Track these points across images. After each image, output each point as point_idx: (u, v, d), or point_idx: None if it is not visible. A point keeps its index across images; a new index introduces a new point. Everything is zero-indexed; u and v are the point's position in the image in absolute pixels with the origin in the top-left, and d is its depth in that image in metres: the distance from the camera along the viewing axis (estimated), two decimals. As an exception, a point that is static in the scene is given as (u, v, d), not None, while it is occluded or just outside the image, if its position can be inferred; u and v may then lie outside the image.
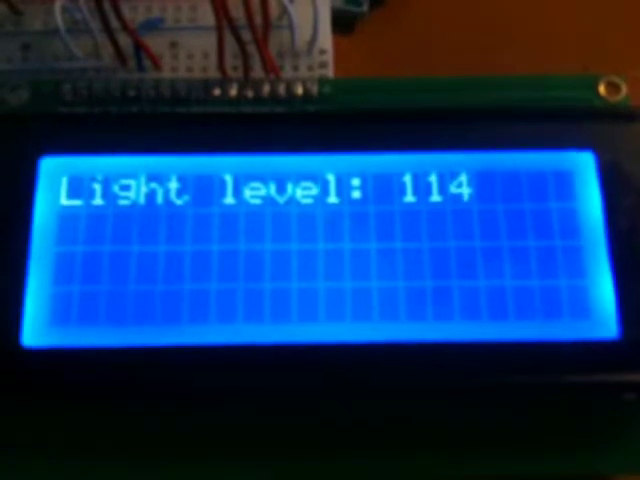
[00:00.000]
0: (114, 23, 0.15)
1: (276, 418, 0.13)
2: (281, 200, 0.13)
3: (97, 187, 0.13)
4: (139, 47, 0.16)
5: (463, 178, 0.13)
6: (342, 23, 0.17)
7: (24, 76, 0.16)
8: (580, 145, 0.13)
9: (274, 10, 0.16)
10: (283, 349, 0.12)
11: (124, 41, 0.16)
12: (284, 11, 0.16)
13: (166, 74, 0.16)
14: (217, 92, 0.15)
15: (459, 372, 0.12)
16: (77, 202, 0.13)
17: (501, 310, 0.12)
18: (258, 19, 0.15)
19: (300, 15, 0.16)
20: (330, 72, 0.16)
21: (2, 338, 0.12)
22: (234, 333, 0.12)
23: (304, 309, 0.12)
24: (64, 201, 0.13)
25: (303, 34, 0.16)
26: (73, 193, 0.13)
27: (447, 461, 0.13)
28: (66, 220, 0.13)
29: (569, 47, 0.17)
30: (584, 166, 0.13)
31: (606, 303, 0.12)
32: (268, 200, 0.13)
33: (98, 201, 0.13)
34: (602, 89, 0.15)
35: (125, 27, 0.15)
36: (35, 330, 0.12)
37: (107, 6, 0.15)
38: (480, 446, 0.13)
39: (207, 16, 0.16)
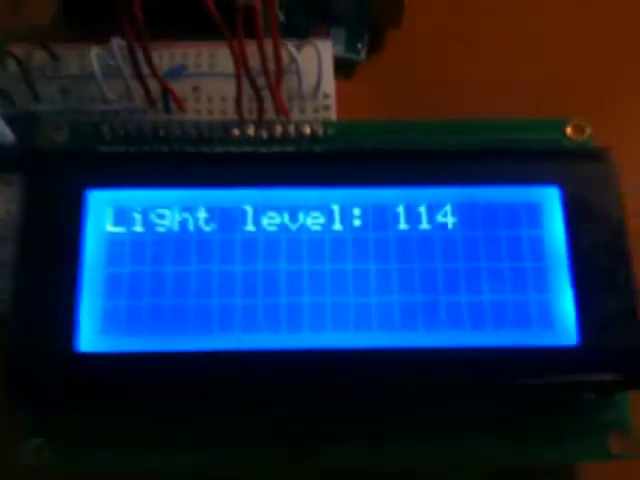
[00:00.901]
0: (144, 69, 0.18)
1: (292, 411, 0.15)
2: (293, 227, 0.15)
3: (137, 216, 0.15)
4: (166, 91, 0.18)
5: (448, 209, 0.15)
6: (343, 69, 0.20)
7: (64, 116, 0.18)
8: (547, 181, 0.16)
9: (284, 58, 0.18)
10: (296, 353, 0.14)
11: (153, 85, 0.18)
12: (292, 60, 0.18)
13: (190, 116, 0.18)
14: (236, 132, 0.17)
15: (444, 374, 0.15)
16: (121, 229, 0.15)
17: (480, 321, 0.15)
18: (270, 66, 0.18)
19: (306, 63, 0.18)
20: (333, 114, 0.18)
21: (61, 345, 0.14)
22: (255, 340, 0.14)
23: (314, 320, 0.15)
24: (110, 228, 0.15)
25: (309, 80, 0.18)
26: (117, 221, 0.15)
27: (436, 449, 0.15)
28: (112, 245, 0.15)
29: (543, 93, 0.20)
30: (550, 199, 0.16)
31: (567, 315, 0.15)
32: (282, 227, 0.15)
33: (138, 228, 0.15)
34: (569, 130, 0.18)
35: (154, 73, 0.18)
36: (88, 338, 0.14)
37: (137, 53, 0.17)
38: (462, 438, 0.15)
39: (224, 63, 0.19)
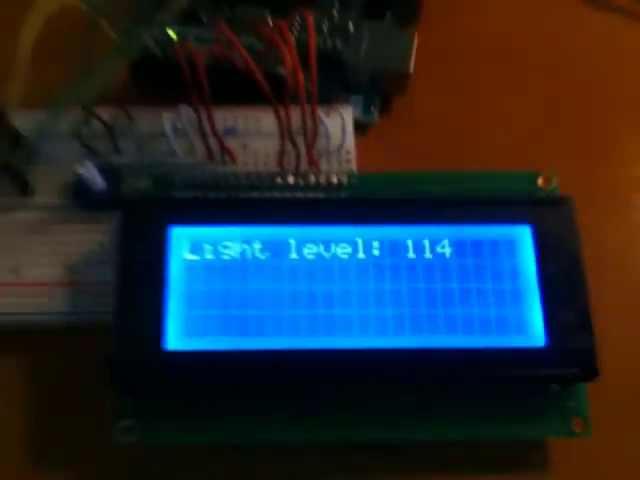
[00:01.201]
0: (206, 129, 0.22)
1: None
2: (327, 256, 0.20)
3: (208, 247, 0.20)
4: (223, 148, 0.23)
5: (445, 242, 0.20)
6: (360, 128, 0.24)
7: (141, 167, 0.23)
8: (521, 221, 0.20)
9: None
10: (328, 352, 0.19)
11: (212, 143, 0.23)
12: (321, 122, 0.23)
13: (240, 167, 0.23)
14: (279, 181, 0.22)
15: (443, 368, 0.19)
16: (196, 257, 0.20)
17: (470, 328, 0.19)
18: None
19: (332, 125, 0.23)
20: (354, 166, 0.23)
21: (152, 344, 0.18)
22: (298, 341, 0.19)
23: (343, 326, 0.19)
24: (187, 256, 0.20)
25: (335, 139, 0.23)
26: (193, 251, 0.20)
27: (428, 428, 0.20)
28: (190, 268, 0.19)
29: (519, 149, 0.25)
30: (524, 236, 0.20)
31: (537, 324, 0.19)
32: (319, 256, 0.20)
33: (209, 256, 0.20)
34: (540, 181, 0.23)
35: (214, 133, 0.22)
36: (173, 339, 0.19)
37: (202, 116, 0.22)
38: (455, 418, 0.20)
39: (267, 125, 0.23)
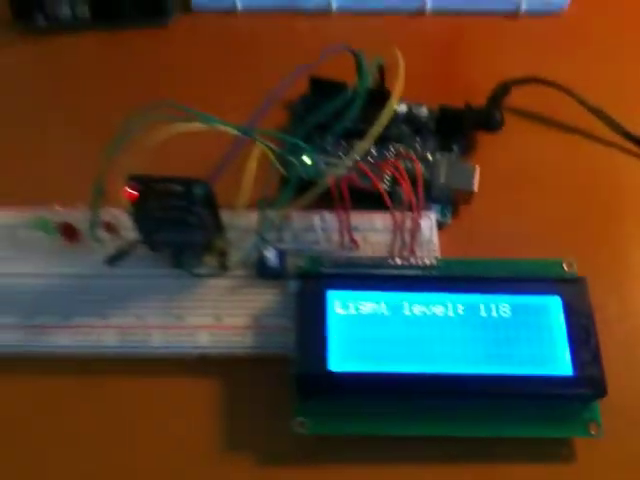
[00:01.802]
0: (340, 226, 0.33)
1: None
2: (428, 313, 0.31)
3: (351, 305, 0.30)
4: (351, 239, 0.34)
5: (506, 306, 0.31)
6: (439, 227, 0.35)
7: (298, 252, 0.33)
8: (554, 293, 0.31)
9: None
10: (430, 375, 0.29)
11: (344, 235, 0.34)
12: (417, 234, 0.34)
13: (362, 252, 0.34)
14: (391, 262, 0.33)
15: (502, 387, 0.29)
16: (344, 311, 0.30)
17: (523, 362, 0.30)
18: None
19: (423, 225, 0.34)
20: (438, 253, 0.34)
21: (320, 367, 0.29)
22: (411, 366, 0.29)
23: (441, 358, 0.30)
24: (338, 310, 0.30)
25: (425, 234, 0.34)
26: (342, 307, 0.30)
27: (490, 426, 0.30)
28: (341, 318, 0.30)
29: (546, 241, 0.35)
30: (556, 302, 0.31)
31: (566, 361, 0.30)
32: (423, 313, 0.31)
33: (352, 311, 0.30)
34: (565, 266, 0.33)
35: (347, 229, 0.33)
36: (333, 362, 0.29)
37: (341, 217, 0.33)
38: (504, 424, 0.30)
39: (378, 224, 0.34)
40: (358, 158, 0.32)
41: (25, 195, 0.35)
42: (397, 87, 0.32)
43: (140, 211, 0.29)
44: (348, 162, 0.31)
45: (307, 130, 0.35)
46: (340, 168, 0.31)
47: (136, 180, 0.28)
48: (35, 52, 0.41)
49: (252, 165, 0.30)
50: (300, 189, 0.33)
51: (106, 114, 0.38)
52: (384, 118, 0.31)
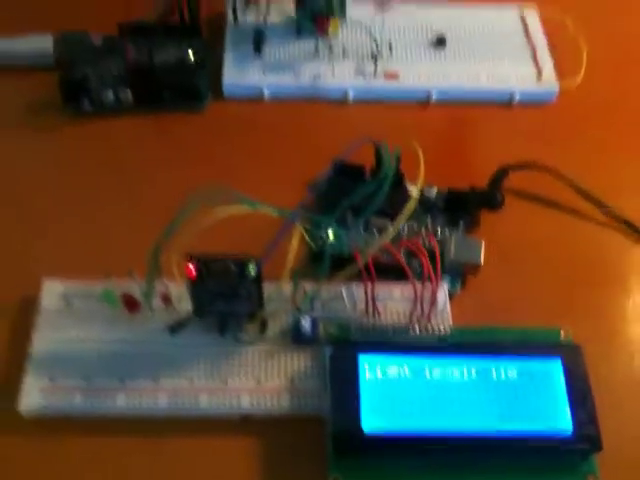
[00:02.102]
0: (366, 297, 0.37)
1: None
2: (446, 376, 0.35)
3: (379, 368, 0.34)
4: (374, 307, 0.38)
5: (514, 370, 0.35)
6: (449, 296, 0.40)
7: (328, 319, 0.37)
8: (555, 357, 0.35)
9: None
10: (444, 433, 0.33)
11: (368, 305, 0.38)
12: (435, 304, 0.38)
13: (383, 319, 0.38)
14: (411, 329, 0.37)
15: (513, 441, 0.33)
16: (372, 375, 0.34)
17: (529, 420, 0.34)
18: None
19: (439, 298, 0.39)
20: (450, 321, 0.38)
21: (353, 426, 0.33)
22: (431, 423, 0.33)
23: (458, 417, 0.34)
24: (368, 374, 0.34)
25: (439, 304, 0.38)
26: (369, 370, 0.34)
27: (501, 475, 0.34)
28: (370, 380, 0.34)
29: (543, 308, 0.40)
30: (557, 368, 0.35)
31: (567, 419, 0.34)
32: (442, 376, 0.35)
33: (379, 375, 0.34)
34: (562, 334, 0.38)
35: (372, 301, 0.37)
36: (366, 423, 0.33)
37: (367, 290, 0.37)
38: (513, 471, 0.34)
39: (396, 295, 0.39)
40: (389, 239, 0.36)
41: (86, 266, 0.39)
42: (419, 180, 0.36)
43: (198, 286, 0.33)
44: (381, 242, 0.36)
45: (341, 212, 0.39)
46: (374, 248, 0.35)
47: (195, 259, 0.32)
48: (82, 134, 0.45)
49: (294, 244, 0.35)
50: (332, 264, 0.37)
51: (149, 192, 0.43)
52: (411, 205, 0.35)
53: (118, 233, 0.41)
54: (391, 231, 0.36)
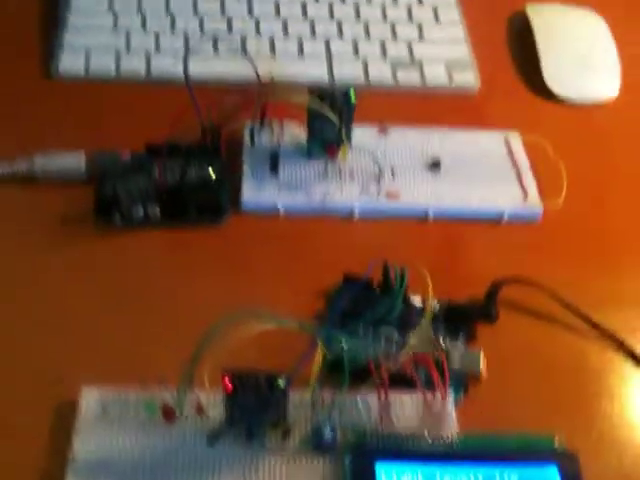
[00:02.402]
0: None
1: None
2: (454, 481, 0.38)
3: (395, 475, 0.38)
4: (388, 416, 0.41)
5: (515, 476, 0.38)
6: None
7: (343, 428, 0.41)
8: (551, 463, 0.39)
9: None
10: None
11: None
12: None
13: (395, 425, 0.41)
14: (422, 437, 0.40)
15: None
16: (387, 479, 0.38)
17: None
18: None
19: (447, 411, 0.42)
20: (457, 428, 0.42)
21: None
22: None
23: None
24: (382, 477, 0.37)
25: (447, 416, 0.42)
26: (386, 477, 0.37)
27: None
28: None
29: (537, 415, 0.44)
30: (553, 470, 0.39)
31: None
32: (450, 481, 0.38)
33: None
34: (557, 441, 0.42)
35: (386, 408, 0.41)
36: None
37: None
38: None
39: (408, 401, 0.42)
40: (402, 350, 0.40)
41: (120, 374, 0.42)
42: (428, 298, 0.41)
43: (232, 399, 0.36)
44: (403, 356, 0.40)
45: (361, 325, 0.44)
46: (394, 361, 0.39)
47: (231, 374, 0.36)
48: (112, 246, 0.49)
49: (318, 358, 0.38)
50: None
51: (175, 302, 0.47)
52: (428, 318, 0.40)
53: (149, 341, 0.44)
54: (411, 344, 0.40)
